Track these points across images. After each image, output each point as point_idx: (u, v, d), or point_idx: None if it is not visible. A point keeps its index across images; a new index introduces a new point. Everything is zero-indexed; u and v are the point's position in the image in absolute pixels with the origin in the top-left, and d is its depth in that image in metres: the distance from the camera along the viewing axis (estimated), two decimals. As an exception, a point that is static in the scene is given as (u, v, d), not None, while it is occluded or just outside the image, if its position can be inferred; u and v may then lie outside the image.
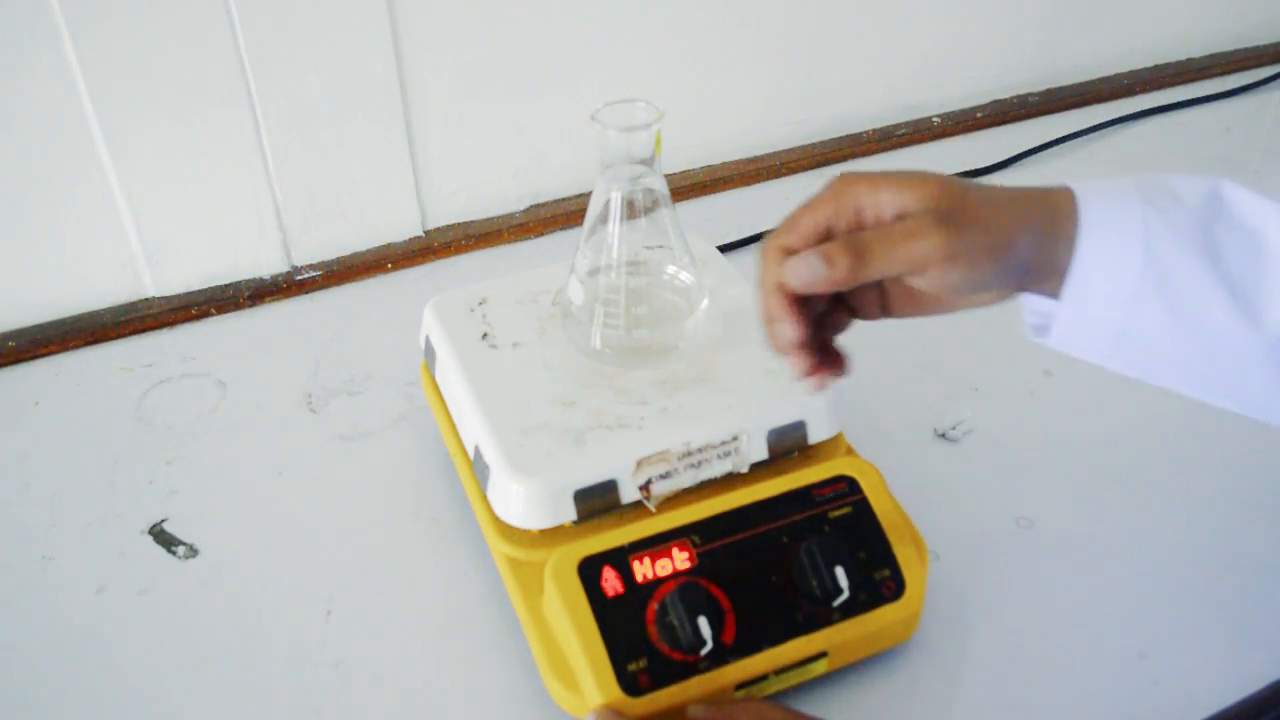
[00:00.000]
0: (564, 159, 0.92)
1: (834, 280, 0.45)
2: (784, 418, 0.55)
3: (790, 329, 0.48)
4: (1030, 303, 0.50)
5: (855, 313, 0.51)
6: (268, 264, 0.84)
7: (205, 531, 0.63)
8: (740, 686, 0.50)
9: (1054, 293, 0.47)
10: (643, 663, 0.48)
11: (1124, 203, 0.46)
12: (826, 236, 0.47)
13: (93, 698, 0.54)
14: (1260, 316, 0.45)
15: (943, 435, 0.68)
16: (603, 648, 0.48)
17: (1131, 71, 1.15)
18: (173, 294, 0.82)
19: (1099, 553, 0.61)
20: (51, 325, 0.79)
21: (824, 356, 0.50)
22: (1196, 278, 0.45)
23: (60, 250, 0.78)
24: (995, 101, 1.09)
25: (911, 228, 0.45)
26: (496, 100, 0.86)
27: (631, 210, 0.56)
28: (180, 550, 0.62)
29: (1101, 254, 0.46)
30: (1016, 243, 0.45)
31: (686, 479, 0.54)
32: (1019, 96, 1.10)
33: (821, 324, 0.50)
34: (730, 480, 0.55)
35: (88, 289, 0.80)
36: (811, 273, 0.45)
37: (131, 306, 0.81)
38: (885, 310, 0.50)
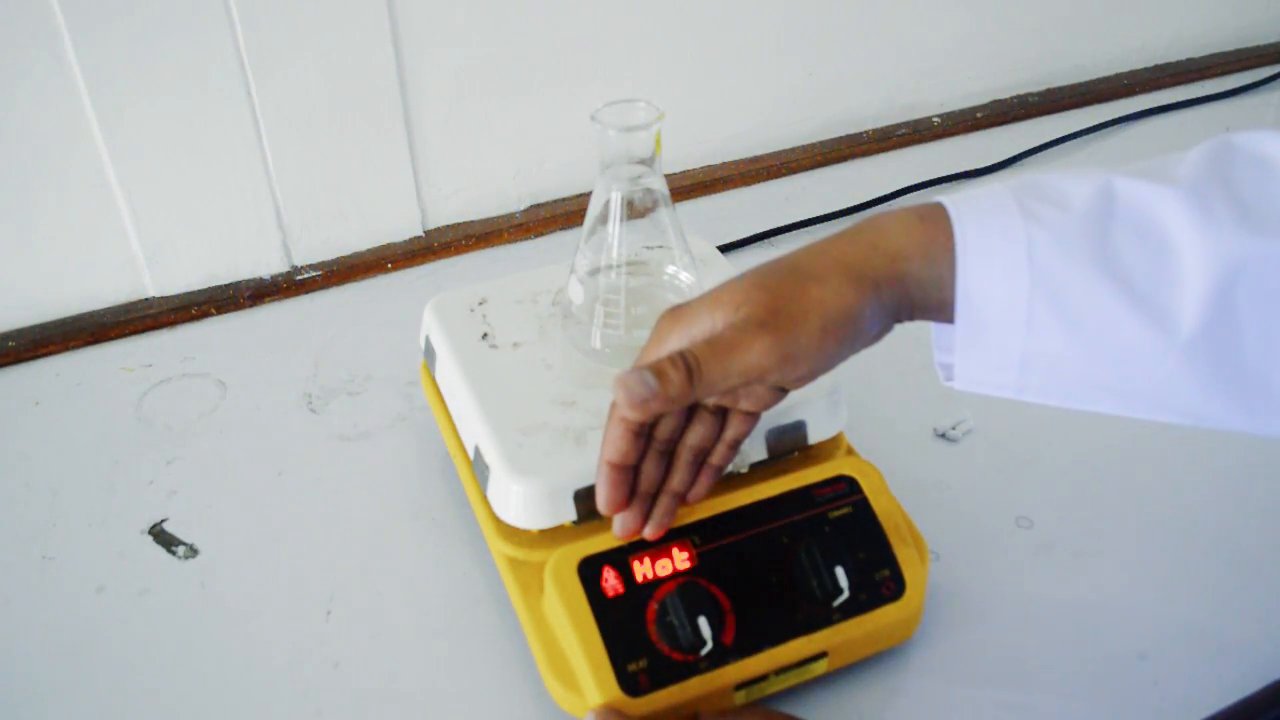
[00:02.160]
0: (564, 159, 0.92)
1: (669, 397, 0.43)
2: (784, 417, 0.55)
3: (609, 492, 0.47)
4: (939, 338, 0.48)
5: (747, 412, 0.49)
6: (268, 264, 0.84)
7: (205, 531, 0.63)
8: (740, 686, 0.50)
9: (946, 319, 0.45)
10: (643, 663, 0.48)
11: (1002, 221, 0.43)
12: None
13: (93, 698, 0.54)
14: (1169, 320, 0.42)
15: (943, 435, 0.68)
16: (603, 648, 0.48)
17: (1131, 71, 1.15)
18: (173, 294, 0.82)
19: (1099, 552, 0.61)
20: (51, 325, 0.79)
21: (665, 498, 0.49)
22: (1093, 287, 0.42)
23: (60, 250, 0.78)
24: (995, 101, 1.09)
25: (734, 338, 0.43)
26: (496, 100, 0.86)
27: (631, 210, 0.56)
28: (180, 550, 0.62)
29: (985, 282, 0.43)
30: (858, 310, 0.43)
31: (686, 479, 0.54)
32: (1019, 96, 1.10)
33: (705, 451, 0.50)
34: (730, 480, 0.55)
35: (88, 289, 0.80)
36: (645, 389, 0.43)
37: (131, 306, 0.81)
38: (777, 389, 0.47)
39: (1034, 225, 0.43)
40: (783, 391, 0.48)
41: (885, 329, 0.46)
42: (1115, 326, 0.42)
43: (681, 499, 0.51)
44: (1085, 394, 0.45)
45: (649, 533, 0.50)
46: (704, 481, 0.51)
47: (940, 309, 0.45)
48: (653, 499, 0.50)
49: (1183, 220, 0.42)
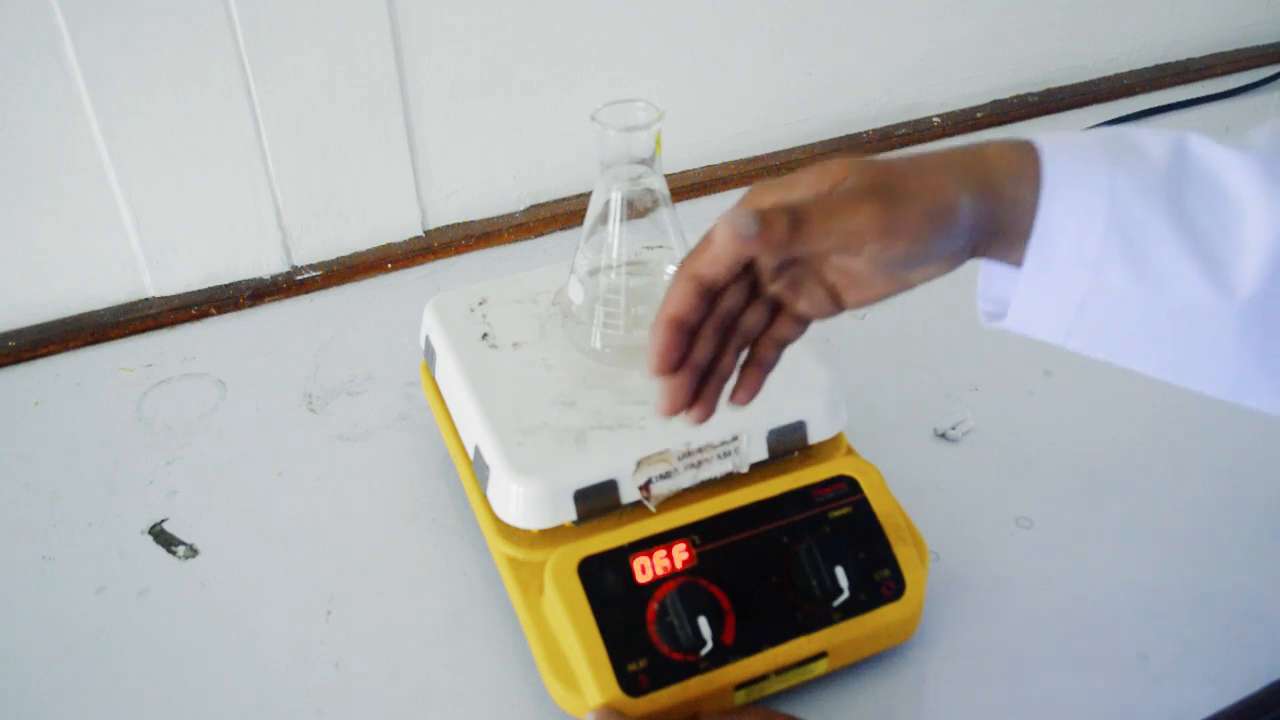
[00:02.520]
0: (564, 159, 0.92)
1: (770, 241, 0.42)
2: (784, 418, 0.55)
3: (662, 351, 0.45)
4: (986, 288, 0.48)
5: (800, 315, 0.48)
6: (268, 264, 0.84)
7: (205, 531, 0.63)
8: (740, 686, 0.50)
9: (1012, 260, 0.46)
10: (643, 663, 0.48)
11: (1089, 159, 0.44)
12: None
13: (93, 698, 0.54)
14: (1229, 279, 0.43)
15: (943, 435, 0.68)
16: (603, 648, 0.48)
17: (1131, 71, 1.15)
18: (173, 294, 0.82)
19: (1099, 553, 0.61)
20: (51, 325, 0.79)
21: (721, 381, 0.48)
22: (1164, 236, 0.43)
23: (60, 250, 0.78)
24: (995, 101, 1.09)
25: (840, 201, 0.43)
26: (496, 100, 0.86)
27: (631, 210, 0.56)
28: (180, 550, 0.62)
29: (1065, 213, 0.44)
30: (958, 207, 0.43)
31: (686, 479, 0.54)
32: (1019, 96, 1.10)
33: (754, 342, 0.49)
34: (730, 480, 0.55)
35: (88, 289, 0.80)
36: (750, 226, 0.42)
37: (131, 306, 0.81)
38: (834, 299, 0.47)
39: (1117, 167, 0.44)
40: (839, 307, 0.47)
41: (964, 249, 0.46)
42: (1178, 277, 0.43)
43: (723, 383, 0.48)
44: (1131, 347, 0.46)
45: (695, 414, 0.48)
46: (750, 380, 0.49)
47: (1014, 241, 0.45)
48: (700, 375, 0.47)
49: (1251, 185, 0.44)
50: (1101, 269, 0.44)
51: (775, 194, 0.45)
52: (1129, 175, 0.44)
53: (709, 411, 0.48)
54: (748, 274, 0.47)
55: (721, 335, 0.48)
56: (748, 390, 0.49)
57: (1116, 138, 0.46)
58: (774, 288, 0.48)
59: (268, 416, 0.72)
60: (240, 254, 0.82)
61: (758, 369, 0.49)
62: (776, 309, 0.49)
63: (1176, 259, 0.43)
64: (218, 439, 0.70)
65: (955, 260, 0.46)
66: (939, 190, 0.44)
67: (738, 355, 0.49)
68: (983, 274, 0.48)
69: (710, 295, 0.46)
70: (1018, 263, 0.46)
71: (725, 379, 0.49)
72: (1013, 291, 0.46)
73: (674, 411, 0.47)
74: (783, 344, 0.49)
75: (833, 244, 0.43)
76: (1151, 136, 0.46)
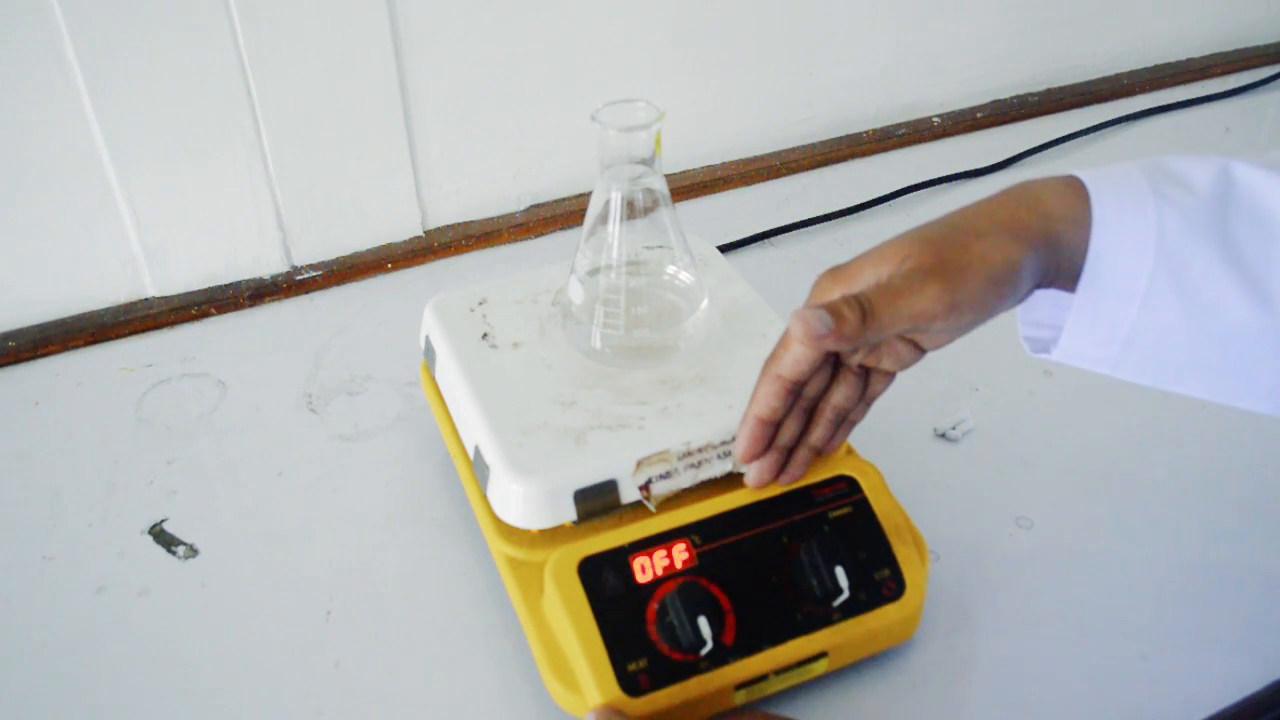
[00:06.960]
0: (564, 159, 0.92)
1: (843, 335, 0.44)
2: (784, 418, 0.55)
3: (749, 445, 0.50)
4: (1026, 313, 0.49)
5: (886, 371, 0.51)
6: (268, 264, 0.84)
7: (205, 531, 0.63)
8: (740, 686, 0.50)
9: (1063, 287, 0.47)
10: (643, 663, 0.48)
11: (1135, 196, 0.45)
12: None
13: (93, 698, 0.54)
14: (1274, 302, 0.44)
15: (943, 435, 0.68)
16: (603, 648, 0.48)
17: (1131, 71, 1.15)
18: (173, 294, 0.82)
19: (1099, 553, 0.61)
20: (51, 325, 0.79)
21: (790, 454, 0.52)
22: (1211, 266, 0.44)
23: (60, 250, 0.78)
24: (995, 101, 1.09)
25: (904, 285, 0.44)
26: (496, 100, 0.86)
27: (631, 210, 0.56)
28: (180, 550, 0.62)
29: (1114, 252, 0.45)
30: (1020, 267, 0.44)
31: (686, 479, 0.54)
32: (1019, 96, 1.10)
33: (835, 410, 0.51)
34: (730, 480, 0.55)
35: (88, 289, 0.80)
36: (822, 325, 0.44)
37: (131, 306, 0.81)
38: (916, 348, 0.49)
39: (1164, 204, 0.45)
40: (922, 352, 0.49)
41: (1029, 291, 0.47)
42: (1225, 304, 0.44)
43: (818, 453, 0.53)
44: (1178, 375, 0.47)
45: (783, 480, 0.52)
46: (840, 436, 0.52)
47: (1067, 275, 0.46)
48: (787, 452, 0.52)
49: None
50: (1150, 303, 0.45)
51: (841, 284, 0.47)
52: (1175, 210, 0.45)
53: (798, 478, 0.53)
54: (827, 360, 0.49)
55: (806, 417, 0.51)
56: (834, 445, 0.53)
57: (1160, 170, 0.47)
58: (856, 359, 0.50)
59: (268, 416, 0.72)
60: (240, 254, 0.82)
61: (847, 429, 0.53)
62: (864, 372, 0.51)
63: (1223, 287, 0.44)
64: (218, 439, 0.70)
65: (1023, 299, 0.47)
66: (999, 254, 0.44)
67: (834, 425, 0.52)
68: (1021, 305, 0.49)
69: (795, 390, 0.49)
70: (1067, 289, 0.47)
71: (819, 447, 0.52)
72: (1061, 323, 0.47)
73: (763, 486, 0.52)
74: (873, 401, 0.52)
75: (903, 326, 0.45)
76: (1195, 165, 0.47)
